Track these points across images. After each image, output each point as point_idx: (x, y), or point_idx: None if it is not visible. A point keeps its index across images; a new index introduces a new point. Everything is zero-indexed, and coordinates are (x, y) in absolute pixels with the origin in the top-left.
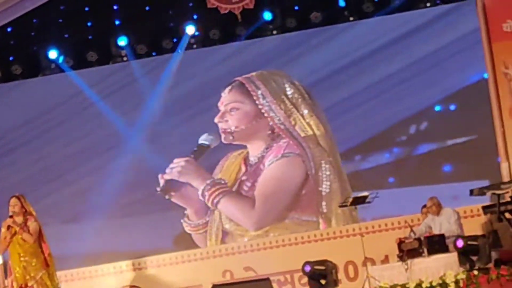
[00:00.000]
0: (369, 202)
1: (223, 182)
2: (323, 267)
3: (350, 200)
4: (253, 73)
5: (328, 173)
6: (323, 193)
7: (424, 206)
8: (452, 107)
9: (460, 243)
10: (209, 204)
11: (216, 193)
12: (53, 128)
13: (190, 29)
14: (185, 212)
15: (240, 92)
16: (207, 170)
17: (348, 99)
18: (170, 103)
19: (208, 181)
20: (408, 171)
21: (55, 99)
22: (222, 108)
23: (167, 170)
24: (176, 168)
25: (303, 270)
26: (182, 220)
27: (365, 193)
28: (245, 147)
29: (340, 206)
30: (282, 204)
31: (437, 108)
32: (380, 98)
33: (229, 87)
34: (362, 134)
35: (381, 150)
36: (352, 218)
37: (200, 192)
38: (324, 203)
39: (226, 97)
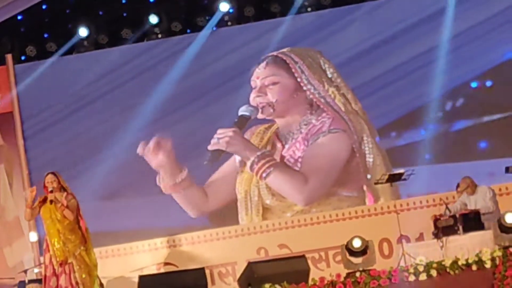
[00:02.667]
0: (404, 179)
1: (271, 154)
2: (367, 244)
3: (386, 177)
4: (285, 49)
5: (370, 146)
6: (368, 166)
7: (459, 185)
8: (488, 84)
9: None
10: (257, 177)
11: (266, 165)
12: (88, 105)
13: (224, 6)
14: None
15: (278, 66)
16: None
17: (384, 75)
18: (206, 78)
19: (258, 153)
20: (444, 148)
21: (89, 77)
22: (258, 82)
23: (213, 141)
24: (223, 138)
25: (351, 244)
26: (157, 182)
27: (401, 170)
28: (272, 121)
29: (375, 184)
30: (331, 180)
31: (473, 84)
32: (416, 75)
33: (264, 62)
34: (398, 111)
35: (417, 126)
36: (395, 192)
37: (249, 164)
38: (369, 176)
39: (262, 72)
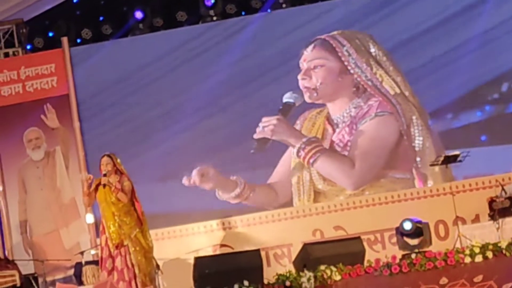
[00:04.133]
0: (460, 161)
1: (317, 140)
2: (420, 225)
3: (441, 159)
4: (335, 32)
5: (420, 128)
6: (417, 149)
7: None
8: None
9: None
10: (305, 163)
11: (313, 151)
12: (143, 87)
13: None
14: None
15: (324, 49)
16: None
17: (440, 57)
18: (260, 62)
19: (304, 139)
20: (500, 129)
21: (144, 59)
22: (304, 65)
23: (258, 129)
24: (268, 126)
25: (401, 226)
26: (217, 195)
27: (456, 152)
28: (324, 105)
29: (431, 165)
30: (379, 163)
31: None
32: (472, 56)
33: (312, 45)
34: (454, 92)
35: (473, 108)
36: (446, 175)
37: (295, 151)
38: (418, 159)
39: (309, 55)
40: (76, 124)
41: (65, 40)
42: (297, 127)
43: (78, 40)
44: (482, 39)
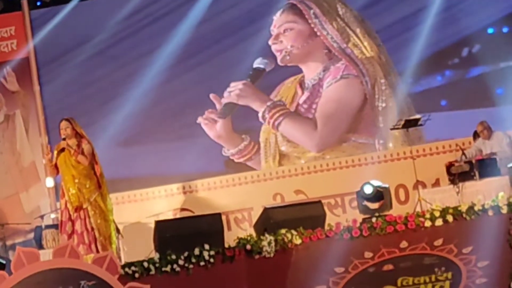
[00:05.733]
0: (421, 125)
1: (282, 103)
2: (381, 189)
3: (402, 122)
4: None
5: (383, 88)
6: (379, 109)
7: (475, 132)
8: (505, 30)
9: None
10: (270, 126)
11: (277, 114)
12: (104, 51)
13: None
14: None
15: (293, 13)
16: None
17: (399, 21)
18: (223, 24)
19: (268, 103)
20: (460, 94)
21: (105, 22)
22: (275, 30)
23: (225, 94)
24: (234, 91)
25: (362, 190)
26: (223, 152)
27: (417, 116)
28: (300, 70)
29: (391, 129)
30: (342, 126)
31: (490, 30)
32: (432, 21)
33: (281, 10)
34: (414, 57)
35: (433, 72)
36: (409, 138)
37: (260, 115)
38: (380, 118)
39: (279, 19)
40: (36, 87)
41: (25, 2)
42: (275, 92)
43: (38, 3)
44: (443, 3)
